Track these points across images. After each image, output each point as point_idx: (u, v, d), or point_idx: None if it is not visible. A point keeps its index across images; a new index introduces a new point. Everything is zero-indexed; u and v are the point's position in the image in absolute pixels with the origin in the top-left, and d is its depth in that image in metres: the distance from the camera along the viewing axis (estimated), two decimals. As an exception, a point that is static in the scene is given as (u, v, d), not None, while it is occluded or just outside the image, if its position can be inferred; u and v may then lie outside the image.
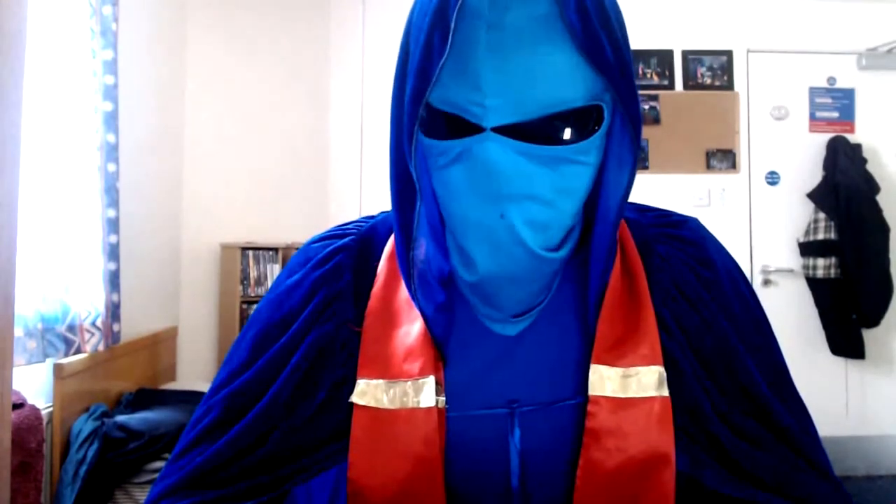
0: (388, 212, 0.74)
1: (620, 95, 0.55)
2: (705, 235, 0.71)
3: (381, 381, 0.62)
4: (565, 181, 0.55)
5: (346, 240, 0.70)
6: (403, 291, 0.65)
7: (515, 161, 0.52)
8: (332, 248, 0.70)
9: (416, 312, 0.63)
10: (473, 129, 0.53)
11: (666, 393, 0.60)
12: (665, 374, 0.61)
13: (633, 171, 0.59)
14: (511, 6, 0.51)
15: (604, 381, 0.60)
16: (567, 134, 0.54)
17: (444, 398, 0.61)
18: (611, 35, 0.53)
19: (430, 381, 0.60)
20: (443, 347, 0.62)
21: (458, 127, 0.54)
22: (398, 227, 0.60)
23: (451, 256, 0.61)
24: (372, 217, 0.75)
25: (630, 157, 0.58)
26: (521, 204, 0.53)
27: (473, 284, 0.59)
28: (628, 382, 0.60)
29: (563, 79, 0.52)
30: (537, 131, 0.53)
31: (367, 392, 0.62)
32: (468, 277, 0.58)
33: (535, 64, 0.51)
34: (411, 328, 0.63)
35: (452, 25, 0.50)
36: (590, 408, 0.60)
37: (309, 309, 0.66)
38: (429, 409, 0.60)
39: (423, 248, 0.61)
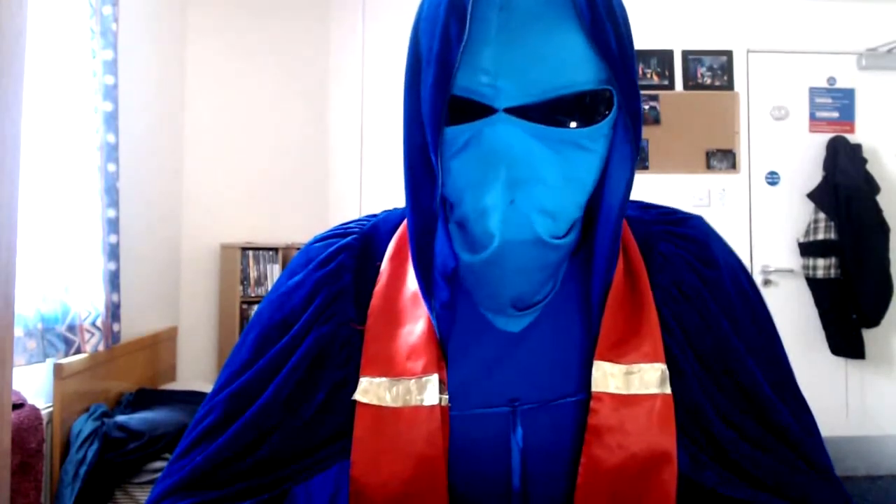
0: (390, 210, 0.74)
1: (622, 89, 0.55)
2: (709, 233, 0.70)
3: (384, 380, 0.61)
4: (573, 169, 0.55)
5: (349, 239, 0.70)
6: (407, 290, 0.65)
7: (526, 142, 0.53)
8: (334, 247, 0.69)
9: (420, 311, 0.63)
10: (484, 111, 0.53)
11: (668, 391, 0.60)
12: (667, 373, 0.61)
13: (633, 168, 0.59)
14: None
15: (607, 377, 0.60)
16: (575, 123, 0.54)
17: (447, 396, 0.61)
18: (616, 28, 0.53)
19: (433, 380, 0.60)
20: (446, 346, 0.62)
21: (469, 111, 0.54)
22: (414, 221, 0.60)
23: (455, 243, 0.60)
24: (374, 216, 0.74)
25: (630, 153, 0.58)
26: (531, 188, 0.53)
27: (478, 269, 0.59)
28: (631, 379, 0.60)
29: (573, 61, 0.52)
30: (547, 116, 0.53)
31: (370, 390, 0.61)
32: (473, 259, 0.58)
33: (545, 45, 0.52)
34: (414, 327, 0.63)
35: (469, 11, 0.51)
36: (593, 404, 0.60)
37: (311, 310, 0.66)
38: (432, 407, 0.59)
39: (437, 240, 0.60)
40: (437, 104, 0.53)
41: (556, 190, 0.54)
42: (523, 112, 0.52)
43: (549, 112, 0.53)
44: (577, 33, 0.52)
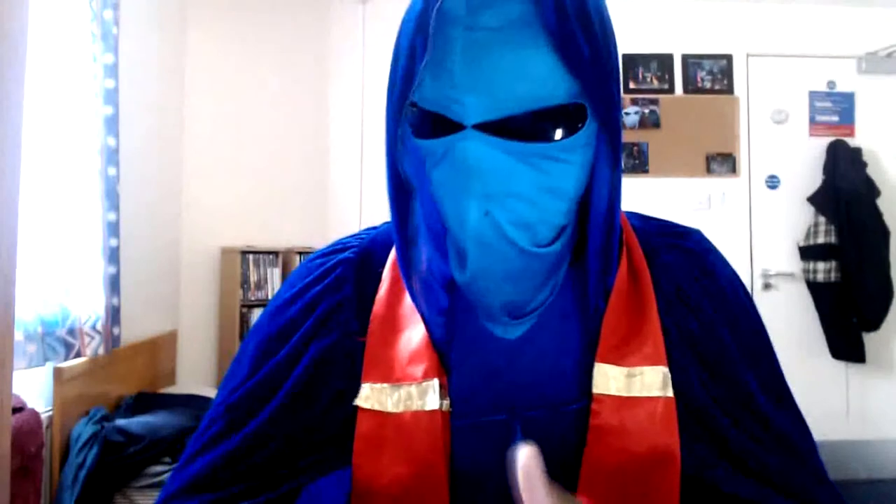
0: (389, 222, 0.74)
1: (596, 101, 0.55)
2: (708, 247, 0.71)
3: (385, 385, 0.62)
4: (551, 180, 0.55)
5: (347, 253, 0.71)
6: (408, 297, 0.65)
7: (495, 158, 0.53)
8: (332, 262, 0.70)
9: (419, 317, 0.63)
10: (455, 127, 0.54)
11: (670, 393, 0.61)
12: (669, 375, 0.61)
13: (614, 175, 0.59)
14: (486, 8, 0.52)
15: (608, 379, 0.60)
16: (557, 134, 0.54)
17: (448, 401, 0.61)
18: (590, 37, 0.53)
19: (433, 385, 0.60)
20: (446, 352, 0.62)
21: (443, 126, 0.54)
22: (397, 231, 0.61)
23: (449, 258, 0.60)
24: (374, 228, 0.75)
25: (610, 161, 0.58)
26: (504, 202, 0.54)
27: (466, 284, 0.59)
28: (633, 382, 0.60)
29: (539, 76, 0.52)
30: (523, 130, 0.53)
31: (372, 396, 0.62)
32: (460, 277, 0.58)
33: (509, 62, 0.52)
34: (414, 333, 0.63)
35: (431, 29, 0.52)
36: (594, 406, 0.60)
37: (310, 321, 0.66)
38: (433, 412, 0.60)
39: (424, 251, 0.61)
40: (396, 116, 0.55)
41: (532, 202, 0.54)
42: (495, 126, 0.52)
43: (529, 124, 0.53)
44: (545, 48, 0.52)
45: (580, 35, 0.52)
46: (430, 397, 0.60)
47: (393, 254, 0.69)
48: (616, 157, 0.59)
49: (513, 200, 0.54)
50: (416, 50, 0.53)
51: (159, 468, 2.24)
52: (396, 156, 0.57)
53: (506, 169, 0.53)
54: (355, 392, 0.63)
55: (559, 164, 0.55)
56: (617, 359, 0.61)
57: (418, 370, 0.61)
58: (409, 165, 0.60)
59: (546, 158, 0.54)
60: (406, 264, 0.61)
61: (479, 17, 0.52)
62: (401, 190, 0.60)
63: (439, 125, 0.55)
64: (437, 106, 0.54)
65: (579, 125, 0.55)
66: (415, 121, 0.57)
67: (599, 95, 0.55)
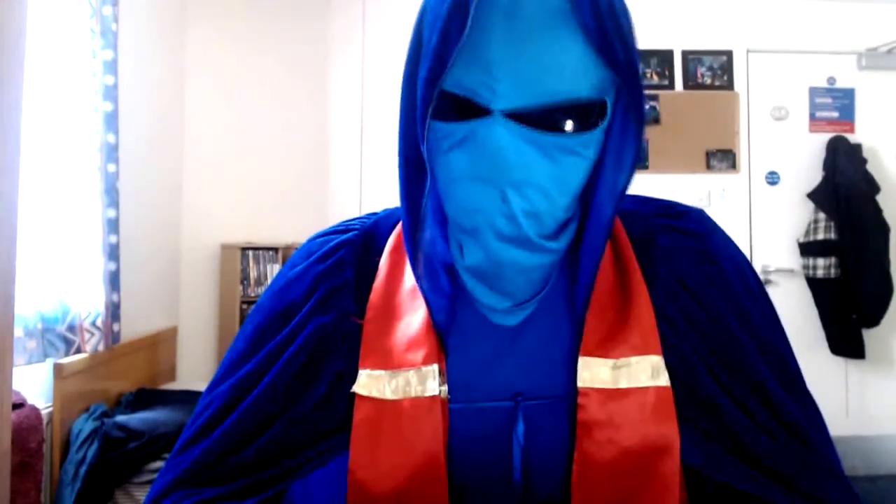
0: (391, 209, 0.74)
1: (631, 94, 0.56)
2: (710, 227, 0.70)
3: (383, 372, 0.62)
4: (563, 172, 0.55)
5: (350, 235, 0.70)
6: (406, 284, 0.65)
7: (520, 146, 0.53)
8: (334, 242, 0.70)
9: (419, 303, 0.63)
10: (480, 112, 0.54)
11: (663, 383, 0.60)
12: (662, 364, 0.61)
13: (632, 172, 0.59)
14: None
15: (593, 373, 0.60)
16: (569, 126, 0.55)
17: (446, 388, 0.61)
18: (621, 35, 0.53)
19: (433, 370, 0.60)
20: (445, 338, 0.62)
21: (466, 110, 0.54)
22: (406, 211, 0.61)
23: (451, 243, 0.61)
24: (375, 214, 0.75)
25: (630, 158, 0.58)
26: (521, 190, 0.54)
27: (471, 269, 0.59)
28: (619, 374, 0.60)
29: (573, 70, 0.53)
30: (541, 120, 0.53)
31: (369, 383, 0.61)
32: (464, 262, 0.59)
33: (547, 52, 0.52)
34: (413, 319, 0.63)
35: (472, 11, 0.51)
36: (580, 400, 0.60)
37: (311, 302, 0.66)
38: (433, 398, 0.60)
39: (429, 234, 0.61)
40: (427, 98, 0.54)
41: (543, 192, 0.55)
42: (519, 115, 0.53)
43: (544, 115, 0.53)
44: (581, 42, 0.52)
45: (613, 33, 0.53)
46: (429, 383, 0.60)
47: (391, 241, 0.69)
48: (632, 159, 0.59)
49: (530, 190, 0.54)
50: (450, 31, 0.52)
51: (159, 464, 2.24)
52: (422, 135, 0.56)
53: (527, 158, 0.53)
54: (354, 374, 0.63)
55: (574, 157, 0.55)
56: (602, 351, 0.61)
57: (418, 356, 0.61)
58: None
59: (564, 151, 0.55)
60: (413, 247, 0.61)
61: (520, 6, 0.52)
62: (416, 170, 0.59)
63: (459, 108, 0.55)
64: (465, 90, 0.54)
65: (599, 121, 0.56)
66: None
67: (634, 90, 0.55)
